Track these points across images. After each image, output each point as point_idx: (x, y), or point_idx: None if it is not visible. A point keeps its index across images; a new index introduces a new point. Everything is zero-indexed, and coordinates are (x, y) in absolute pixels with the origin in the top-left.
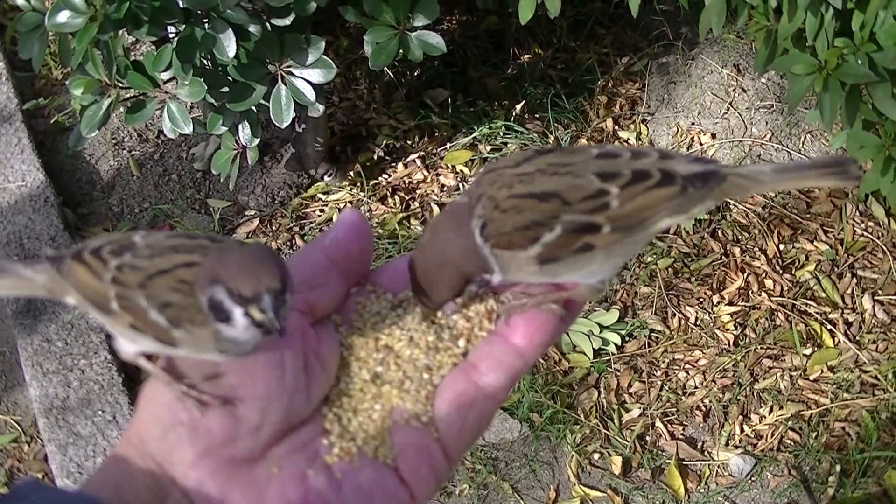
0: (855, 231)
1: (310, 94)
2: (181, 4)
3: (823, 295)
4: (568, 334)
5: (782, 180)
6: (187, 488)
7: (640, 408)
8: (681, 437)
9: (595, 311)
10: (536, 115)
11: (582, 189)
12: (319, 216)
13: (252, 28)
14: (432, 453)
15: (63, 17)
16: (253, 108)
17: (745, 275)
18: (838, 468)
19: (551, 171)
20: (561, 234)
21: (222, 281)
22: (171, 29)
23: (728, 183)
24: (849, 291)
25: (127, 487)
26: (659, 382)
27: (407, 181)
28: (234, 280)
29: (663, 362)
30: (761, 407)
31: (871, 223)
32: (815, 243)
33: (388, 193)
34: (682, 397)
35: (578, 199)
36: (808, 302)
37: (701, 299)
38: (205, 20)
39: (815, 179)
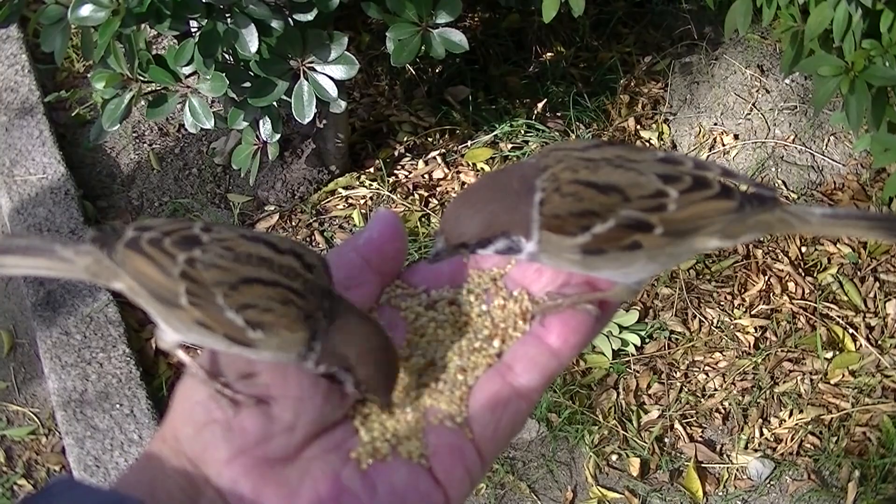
0: None
1: (332, 90)
2: None
3: (845, 298)
4: None
5: (830, 225)
6: (221, 487)
7: (658, 409)
8: (700, 439)
9: (615, 311)
10: (558, 114)
11: (642, 187)
12: (339, 212)
13: (274, 23)
14: (467, 454)
15: (86, 10)
16: (274, 103)
17: (767, 277)
18: (858, 474)
19: (617, 163)
20: (613, 227)
21: (354, 372)
22: (194, 23)
23: (778, 214)
24: (871, 295)
25: (160, 486)
26: (678, 384)
27: (427, 178)
28: (369, 378)
29: (683, 364)
30: (781, 410)
31: None
32: (837, 246)
33: (409, 190)
34: (702, 399)
35: (637, 197)
36: (830, 305)
37: (722, 301)
38: (227, 15)
39: (863, 231)
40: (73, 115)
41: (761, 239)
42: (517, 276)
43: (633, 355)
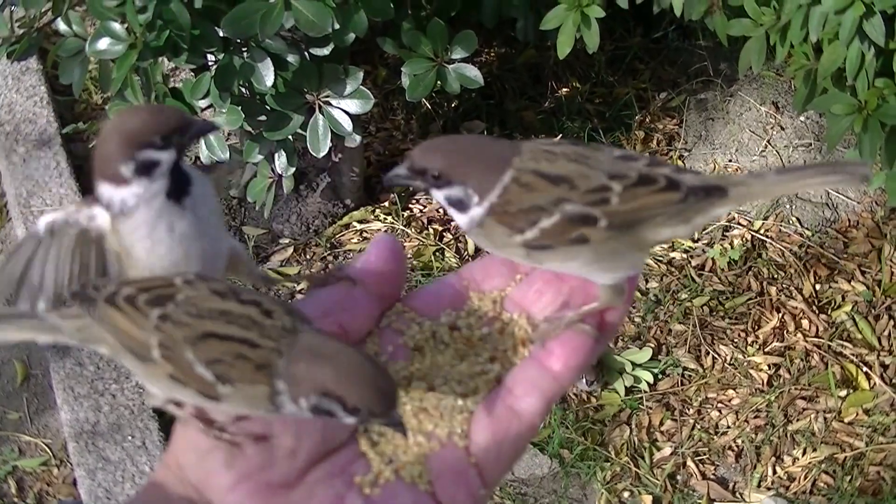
0: (893, 272)
1: (347, 124)
2: (220, 33)
3: (860, 336)
4: (601, 372)
5: (785, 182)
6: None
7: (671, 446)
8: (712, 477)
9: (628, 348)
10: None
11: (589, 180)
12: (354, 245)
13: (290, 58)
14: (469, 478)
15: (103, 44)
16: (289, 137)
17: (781, 314)
18: None
19: (573, 157)
20: (559, 221)
21: (337, 396)
22: (210, 57)
23: (731, 195)
24: (886, 333)
25: None
26: (691, 421)
27: (442, 213)
28: (359, 397)
29: (696, 401)
30: (794, 449)
31: None
32: (852, 283)
33: (423, 225)
34: (715, 437)
35: (584, 190)
36: (844, 343)
37: (735, 338)
38: (243, 49)
39: (821, 181)
40: (90, 146)
41: (774, 276)
42: (517, 298)
43: (645, 392)
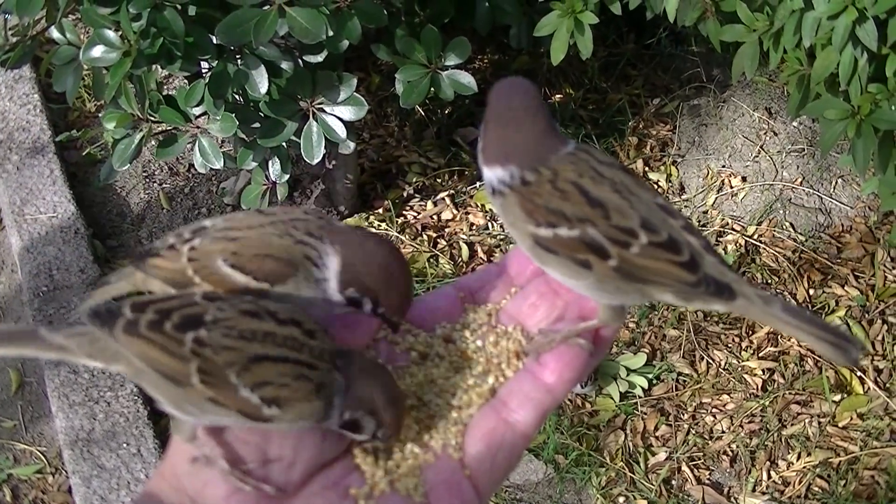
0: (886, 277)
1: (341, 131)
2: (214, 40)
3: None
4: (596, 375)
5: (785, 321)
6: None
7: (666, 451)
8: (707, 481)
9: (623, 354)
10: None
11: (623, 217)
12: None
13: (284, 65)
14: (463, 490)
15: (97, 51)
16: (283, 144)
17: None
18: None
19: (619, 187)
20: (575, 237)
21: (379, 416)
22: (204, 64)
23: (735, 303)
24: (879, 338)
25: None
26: (686, 426)
27: (436, 219)
28: (393, 422)
29: (690, 406)
30: (789, 453)
31: None
32: (845, 288)
33: (417, 231)
34: (709, 441)
35: (613, 224)
36: None
37: (729, 343)
38: (237, 56)
39: (814, 340)
40: (84, 154)
41: (768, 281)
42: (512, 311)
43: (640, 397)
